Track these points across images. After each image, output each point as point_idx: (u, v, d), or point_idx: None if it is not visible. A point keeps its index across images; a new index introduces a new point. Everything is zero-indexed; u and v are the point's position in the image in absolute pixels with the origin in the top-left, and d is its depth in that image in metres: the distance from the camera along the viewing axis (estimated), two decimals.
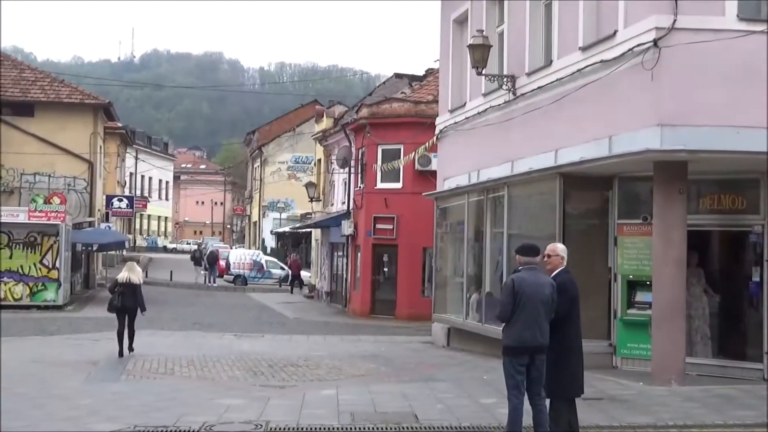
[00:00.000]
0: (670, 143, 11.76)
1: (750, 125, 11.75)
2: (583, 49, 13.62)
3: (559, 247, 8.94)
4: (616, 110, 12.82)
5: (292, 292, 41.65)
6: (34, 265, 28.91)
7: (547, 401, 8.27)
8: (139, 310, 16.55)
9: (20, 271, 28.84)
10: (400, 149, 28.14)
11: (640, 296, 13.41)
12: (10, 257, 28.75)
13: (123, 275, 16.68)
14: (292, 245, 53.70)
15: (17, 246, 28.89)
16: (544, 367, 8.12)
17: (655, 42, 11.75)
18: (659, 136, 11.79)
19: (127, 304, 16.39)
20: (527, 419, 8.08)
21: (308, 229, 44.46)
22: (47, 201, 32.16)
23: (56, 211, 30.24)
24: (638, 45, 12.03)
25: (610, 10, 13.03)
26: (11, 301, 28.40)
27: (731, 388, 11.92)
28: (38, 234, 29.06)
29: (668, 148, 11.79)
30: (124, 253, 54.26)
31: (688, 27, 11.68)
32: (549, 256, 8.71)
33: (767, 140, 11.53)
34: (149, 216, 77.86)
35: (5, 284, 28.66)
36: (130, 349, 16.38)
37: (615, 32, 12.76)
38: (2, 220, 28.85)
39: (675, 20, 11.68)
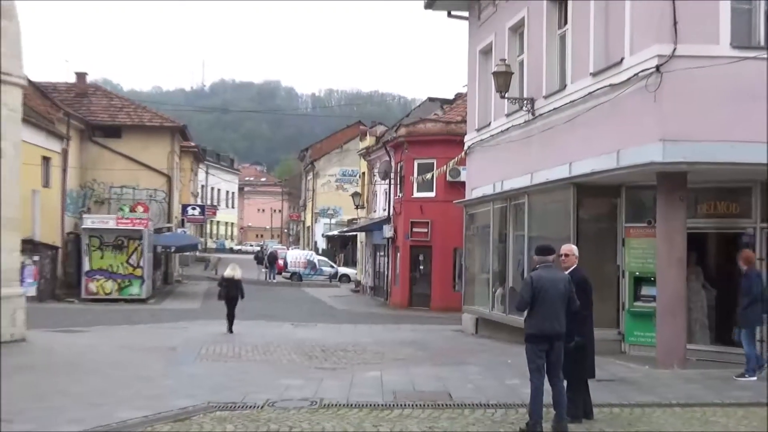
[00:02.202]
0: (671, 156, 11.64)
1: (743, 140, 11.59)
2: (594, 74, 13.52)
3: (574, 248, 8.92)
4: (623, 128, 12.70)
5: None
6: (122, 264, 29.39)
7: (565, 382, 8.21)
8: (239, 298, 18.43)
9: (110, 269, 29.36)
10: (433, 163, 28.07)
11: (645, 290, 13.28)
12: (102, 258, 29.30)
13: (228, 273, 18.72)
14: (341, 246, 53.87)
15: (107, 248, 29.41)
16: (562, 352, 8.06)
17: (658, 68, 11.65)
18: (662, 150, 11.67)
19: (232, 294, 18.33)
20: (547, 398, 8.02)
21: (354, 233, 44.59)
22: (132, 209, 32.69)
23: (140, 218, 30.74)
24: (642, 71, 11.93)
25: (617, 39, 12.94)
26: (102, 295, 28.92)
27: (728, 371, 11.70)
28: (125, 238, 29.55)
29: (670, 160, 11.67)
30: (197, 253, 54.88)
31: (686, 54, 11.56)
32: (567, 255, 8.68)
33: (767, 152, 11.36)
34: (218, 222, 78.67)
35: (97, 280, 29.20)
36: (230, 330, 17.88)
37: (622, 59, 12.65)
38: (95, 226, 29.47)
39: (675, 48, 11.57)
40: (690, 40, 11.59)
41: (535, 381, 7.99)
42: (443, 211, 27.44)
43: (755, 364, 11.23)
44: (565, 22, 14.96)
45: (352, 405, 9.31)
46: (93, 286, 29.18)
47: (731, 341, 12.94)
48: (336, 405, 9.28)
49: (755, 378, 11.04)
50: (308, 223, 63.59)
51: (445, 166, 25.05)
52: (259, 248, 64.58)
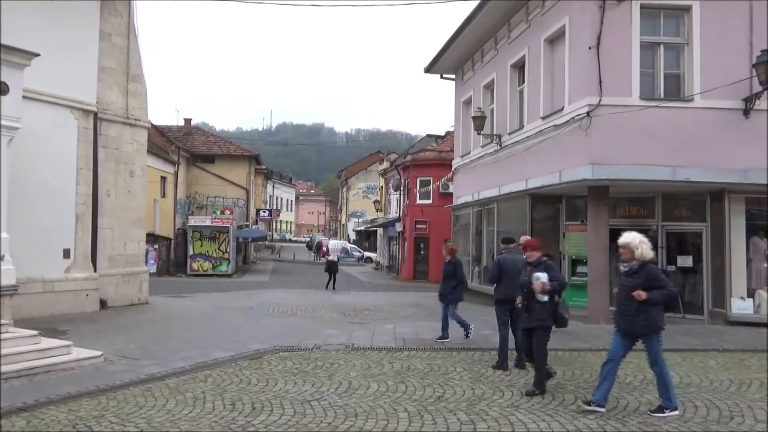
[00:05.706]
0: (598, 175, 11.54)
1: (647, 164, 11.48)
2: (543, 117, 13.45)
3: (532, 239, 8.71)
4: (563, 155, 12.61)
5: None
6: (215, 250, 29.60)
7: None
8: (336, 272, 21.53)
9: (207, 253, 29.57)
10: (430, 180, 28.08)
11: (580, 269, 13.17)
12: (201, 245, 29.54)
13: (330, 258, 21.82)
14: (366, 237, 53.89)
15: (205, 239, 29.63)
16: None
17: (588, 113, 11.56)
18: (591, 171, 11.57)
19: (332, 269, 21.72)
20: (510, 344, 7.97)
21: (375, 228, 44.57)
22: (222, 212, 32.88)
23: (227, 218, 30.90)
24: (578, 115, 11.84)
25: (560, 92, 12.85)
26: (201, 272, 29.11)
27: None
28: (217, 232, 29.77)
29: (597, 178, 11.57)
30: (266, 243, 55.00)
31: (608, 104, 11.47)
32: (526, 246, 8.54)
33: (664, 172, 11.23)
34: (281, 221, 78.81)
35: (198, 261, 29.39)
36: (334, 288, 20.27)
37: (563, 107, 12.57)
38: (196, 224, 29.66)
39: (600, 99, 11.48)
40: (611, 94, 11.49)
41: (502, 332, 7.96)
42: (437, 213, 27.42)
43: (470, 328, 10.19)
44: (523, 81, 14.87)
45: (374, 348, 9.30)
46: (195, 265, 29.41)
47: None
48: (363, 348, 9.27)
49: (468, 339, 10.00)
50: (343, 221, 63.60)
51: (438, 182, 25.00)
52: (309, 239, 64.68)
